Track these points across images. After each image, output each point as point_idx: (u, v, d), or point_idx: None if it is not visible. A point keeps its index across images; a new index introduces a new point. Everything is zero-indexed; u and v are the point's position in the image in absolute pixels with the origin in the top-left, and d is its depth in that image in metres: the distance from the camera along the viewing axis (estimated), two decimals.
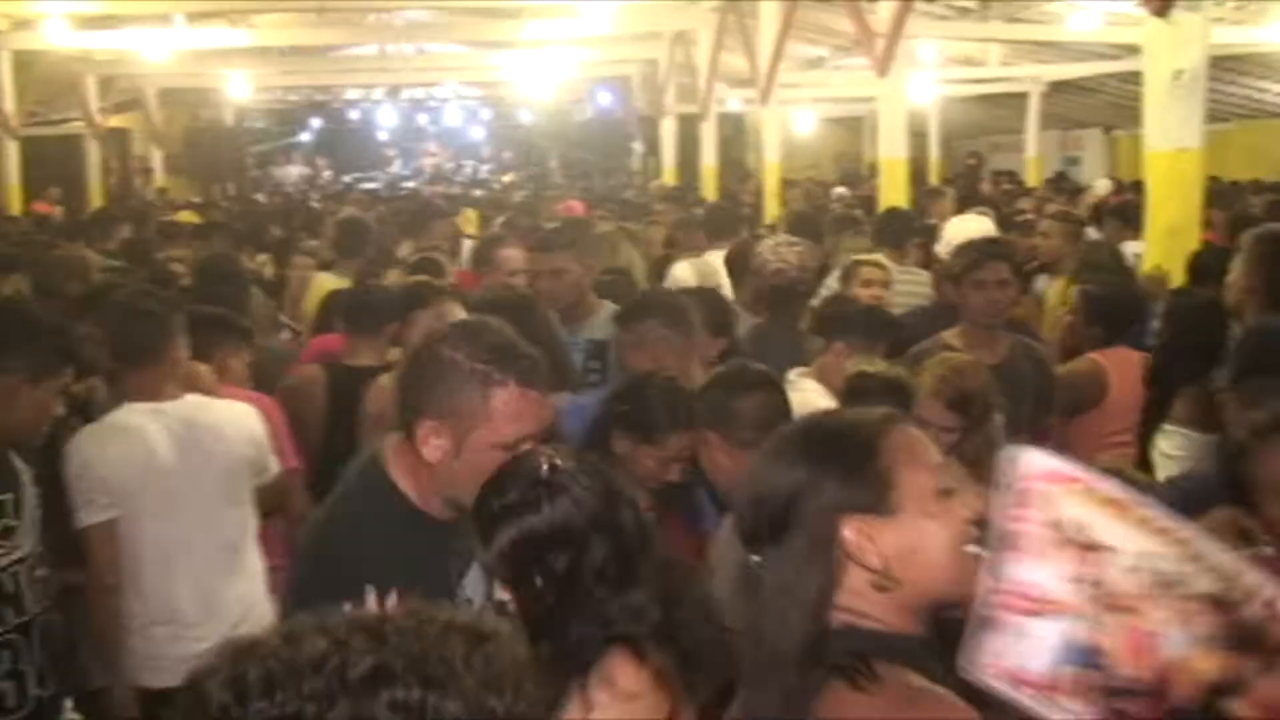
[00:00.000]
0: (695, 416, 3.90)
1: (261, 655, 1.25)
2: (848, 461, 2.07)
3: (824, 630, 2.02)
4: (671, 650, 2.32)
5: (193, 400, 4.43)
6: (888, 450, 2.07)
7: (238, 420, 4.51)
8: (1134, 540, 1.75)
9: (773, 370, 4.39)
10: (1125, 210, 10.02)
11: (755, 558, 2.13)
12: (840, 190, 20.18)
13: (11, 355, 3.54)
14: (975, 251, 5.63)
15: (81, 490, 4.13)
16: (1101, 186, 16.36)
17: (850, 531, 2.03)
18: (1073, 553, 1.77)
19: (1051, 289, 7.94)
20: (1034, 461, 1.85)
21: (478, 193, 26.37)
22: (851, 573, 2.04)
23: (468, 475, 2.67)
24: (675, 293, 5.68)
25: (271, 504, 4.59)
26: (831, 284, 7.24)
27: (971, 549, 2.02)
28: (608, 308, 5.74)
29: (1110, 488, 1.80)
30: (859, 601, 2.05)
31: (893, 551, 2.03)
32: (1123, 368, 5.55)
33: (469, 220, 13.53)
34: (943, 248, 6.92)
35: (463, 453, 2.72)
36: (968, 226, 7.74)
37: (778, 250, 6.37)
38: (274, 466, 4.64)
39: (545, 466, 2.49)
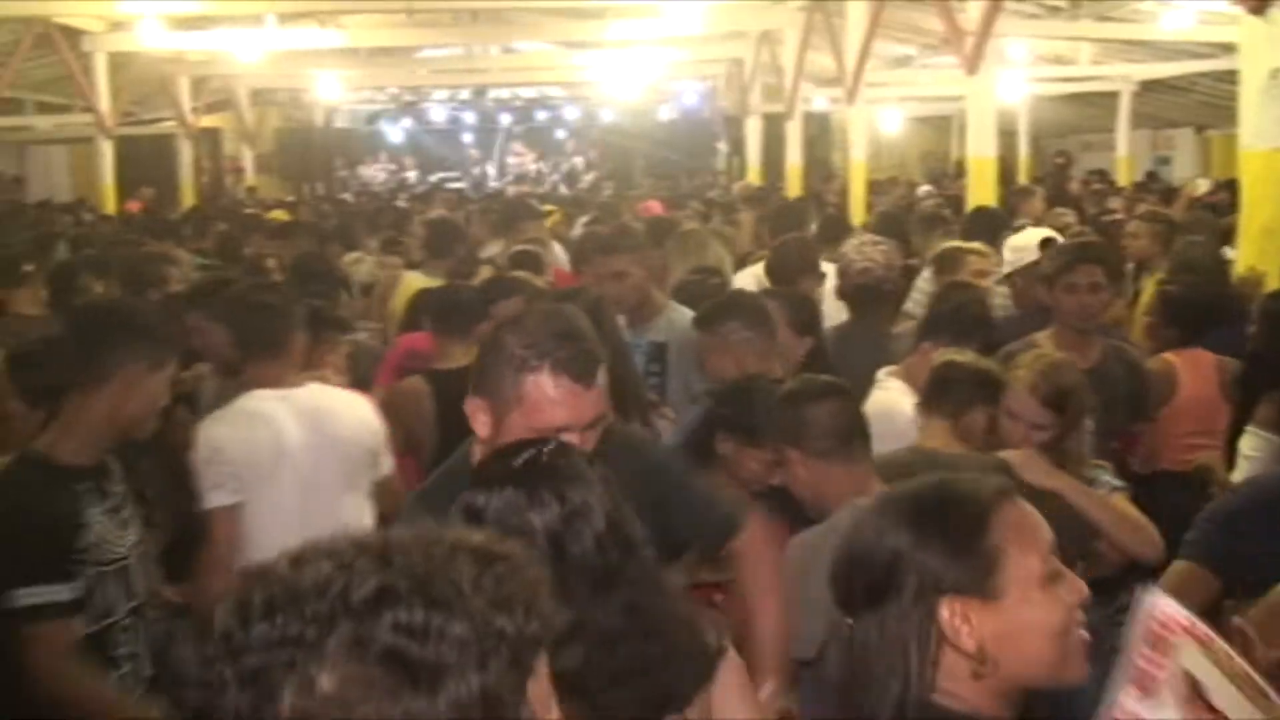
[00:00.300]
0: (773, 435, 3.88)
1: (267, 579, 1.25)
2: (955, 537, 1.98)
3: (922, 704, 1.97)
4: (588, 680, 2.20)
5: (316, 388, 4.56)
6: (998, 528, 1.98)
7: (358, 410, 4.63)
8: (1243, 710, 1.83)
9: (858, 371, 4.38)
10: (1216, 205, 9.89)
11: (848, 619, 2.05)
12: (926, 189, 20.03)
13: (132, 346, 3.62)
14: (1068, 254, 5.55)
15: (210, 474, 4.20)
16: (1199, 186, 16.03)
17: (947, 612, 1.96)
18: (1195, 709, 1.84)
19: (1145, 290, 7.83)
20: (1166, 609, 1.90)
21: (564, 191, 26.50)
22: (946, 653, 1.97)
23: None
24: (756, 294, 5.58)
25: (386, 505, 4.59)
26: (924, 285, 7.18)
27: (1076, 635, 1.99)
28: (672, 309, 5.74)
29: (1228, 650, 1.87)
30: (950, 682, 1.98)
31: (990, 636, 1.96)
32: (1195, 368, 5.50)
33: (551, 219, 13.55)
34: (1007, 253, 6.80)
35: (501, 433, 2.77)
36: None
37: (863, 249, 6.31)
38: (388, 463, 4.69)
39: (514, 482, 2.38)
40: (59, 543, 3.39)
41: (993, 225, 8.50)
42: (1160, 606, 1.90)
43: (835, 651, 2.08)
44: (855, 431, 3.69)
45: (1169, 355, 5.71)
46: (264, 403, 4.38)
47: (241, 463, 4.23)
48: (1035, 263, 6.28)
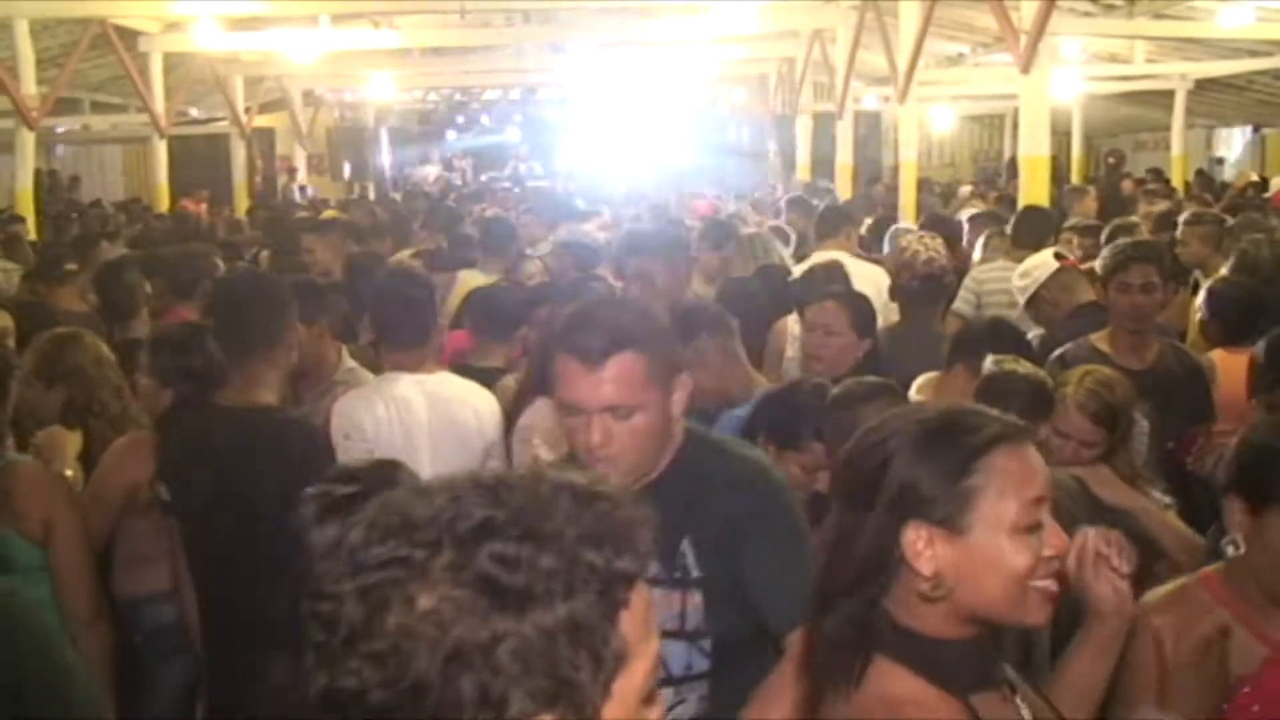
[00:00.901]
0: (825, 436, 3.89)
1: (390, 507, 1.39)
2: (941, 467, 2.05)
3: (869, 605, 2.08)
4: None
5: (446, 375, 4.89)
6: (984, 470, 2.05)
7: (481, 401, 4.86)
8: None
9: (912, 372, 4.35)
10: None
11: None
12: (965, 190, 19.90)
13: (325, 309, 4.30)
14: (1121, 254, 5.50)
15: (347, 449, 4.40)
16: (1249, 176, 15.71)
17: (912, 534, 2.04)
18: None
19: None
20: None
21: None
22: (904, 569, 2.06)
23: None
24: (712, 303, 5.53)
25: None
26: (970, 295, 7.13)
27: (1040, 584, 2.06)
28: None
29: None
30: (904, 595, 2.08)
31: (949, 566, 2.04)
32: (1236, 367, 5.43)
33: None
34: (1017, 279, 6.66)
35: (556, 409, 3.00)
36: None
37: (924, 241, 6.27)
38: (498, 459, 4.77)
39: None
40: None
41: (1043, 226, 8.42)
42: None
43: (823, 534, 2.21)
44: None
45: (1215, 354, 5.68)
46: (400, 385, 4.67)
47: (377, 440, 4.47)
48: (1056, 275, 6.21)
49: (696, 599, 2.92)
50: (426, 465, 4.40)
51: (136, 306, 6.83)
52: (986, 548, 2.03)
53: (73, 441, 4.65)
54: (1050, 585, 2.08)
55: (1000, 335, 4.94)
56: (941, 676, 2.04)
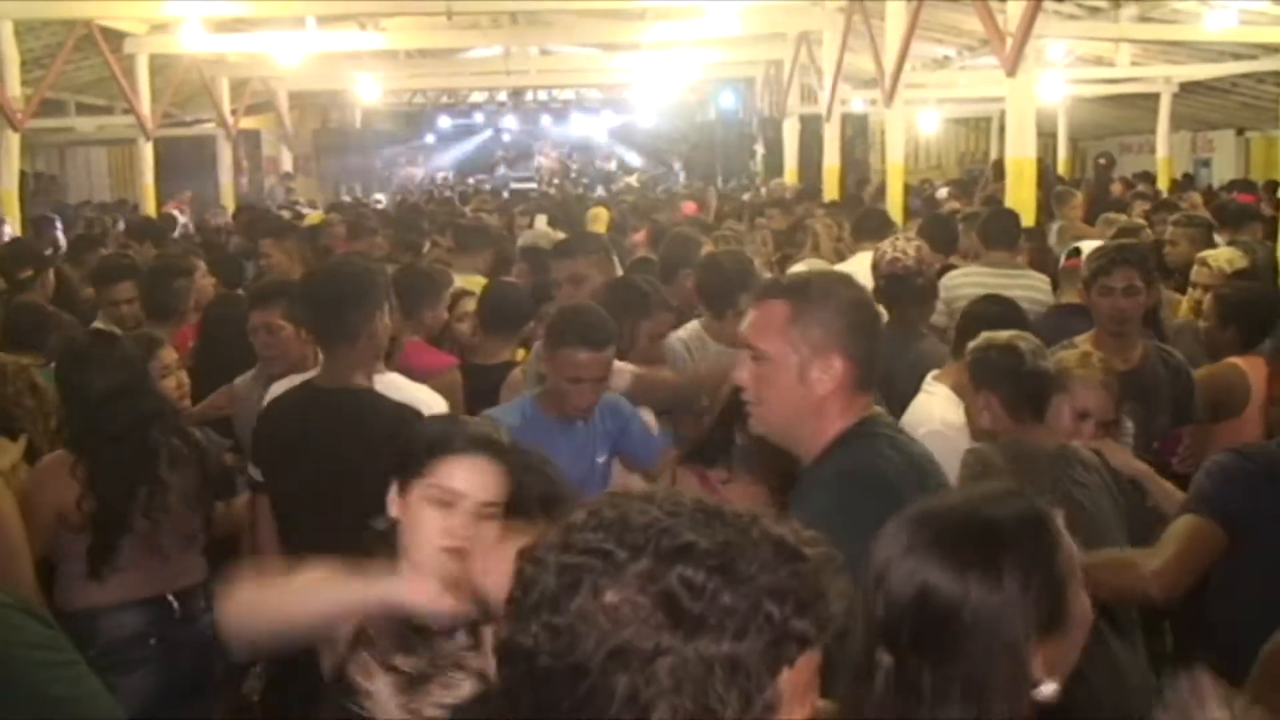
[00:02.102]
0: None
1: (617, 505, 1.48)
2: (1035, 582, 1.95)
3: None
4: None
5: (394, 377, 4.86)
6: (1061, 562, 2.00)
7: (432, 404, 4.73)
8: None
9: (891, 370, 4.35)
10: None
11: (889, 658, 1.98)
12: (944, 191, 19.93)
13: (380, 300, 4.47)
14: (1104, 257, 5.52)
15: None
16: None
17: (1034, 654, 1.96)
18: None
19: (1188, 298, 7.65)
20: (1206, 684, 1.96)
21: (601, 191, 26.57)
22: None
23: None
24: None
25: None
26: (940, 304, 7.11)
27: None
28: None
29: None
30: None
31: (1048, 670, 1.97)
32: (1260, 375, 5.42)
33: (599, 219, 13.57)
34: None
35: None
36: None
37: (895, 243, 6.31)
38: None
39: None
40: None
41: (1014, 228, 8.40)
42: (1203, 682, 1.96)
43: (878, 691, 1.99)
44: None
45: (1238, 361, 5.59)
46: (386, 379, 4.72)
47: None
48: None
49: None
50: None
51: (181, 311, 6.77)
52: (1078, 632, 2.03)
53: (10, 450, 4.62)
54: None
55: (1005, 318, 4.98)
56: None
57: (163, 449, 4.52)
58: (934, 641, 1.93)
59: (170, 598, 4.52)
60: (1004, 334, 4.21)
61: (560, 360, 4.51)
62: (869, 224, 8.85)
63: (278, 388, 4.82)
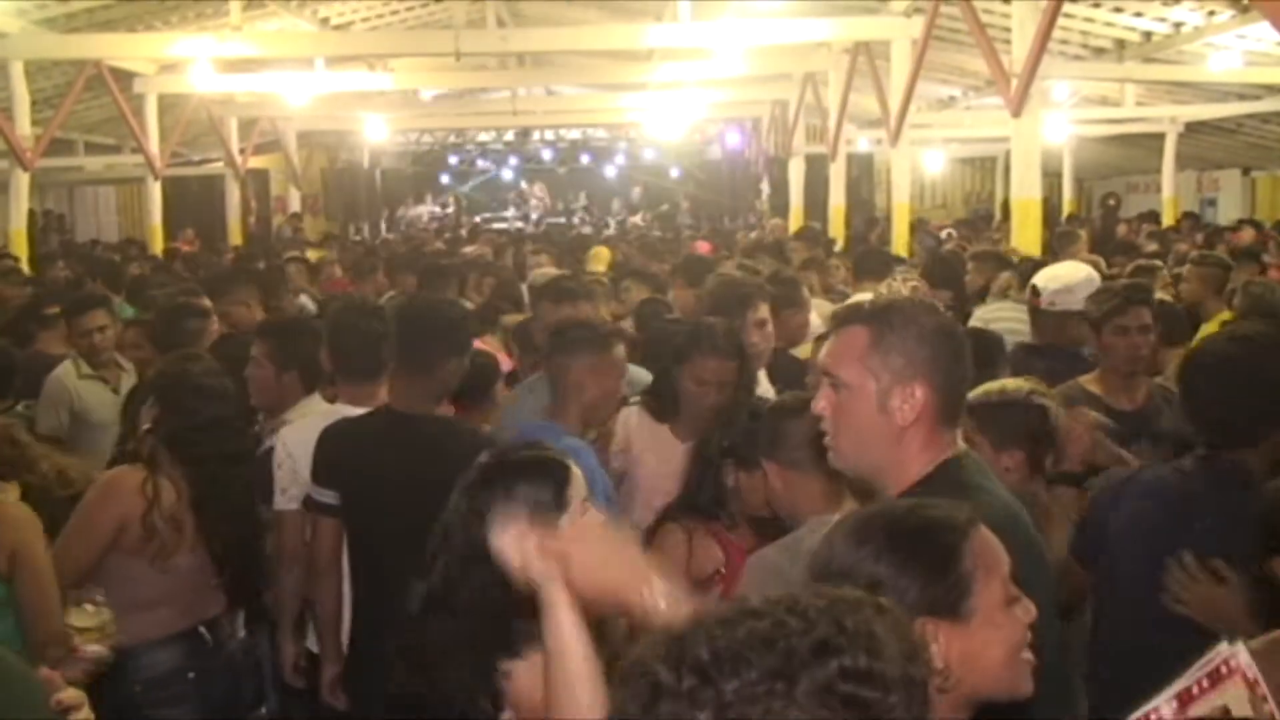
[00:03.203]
0: (757, 452, 3.87)
1: (706, 638, 1.40)
2: (932, 563, 2.09)
3: None
4: None
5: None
6: (970, 555, 2.10)
7: None
8: None
9: None
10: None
11: None
12: (948, 231, 19.96)
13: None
14: (1120, 296, 5.50)
15: (280, 476, 4.83)
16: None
17: (920, 629, 2.01)
18: None
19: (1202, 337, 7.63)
20: (1242, 659, 2.04)
21: (608, 231, 26.61)
22: None
23: None
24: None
25: None
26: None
27: (1026, 656, 2.14)
28: None
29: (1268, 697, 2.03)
30: None
31: (957, 654, 2.06)
32: None
33: (600, 258, 13.60)
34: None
35: None
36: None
37: (891, 285, 6.35)
38: None
39: None
40: None
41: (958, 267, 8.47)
42: (1239, 656, 2.02)
43: None
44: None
45: None
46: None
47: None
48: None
49: None
50: None
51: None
52: (988, 628, 2.09)
53: (11, 489, 4.64)
54: (1030, 655, 2.15)
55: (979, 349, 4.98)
56: None
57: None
58: None
59: (202, 629, 4.55)
60: (1021, 387, 4.14)
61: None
62: (870, 264, 8.87)
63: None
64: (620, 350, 4.70)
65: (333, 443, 4.64)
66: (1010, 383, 4.18)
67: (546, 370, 4.79)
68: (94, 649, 3.59)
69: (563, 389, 4.62)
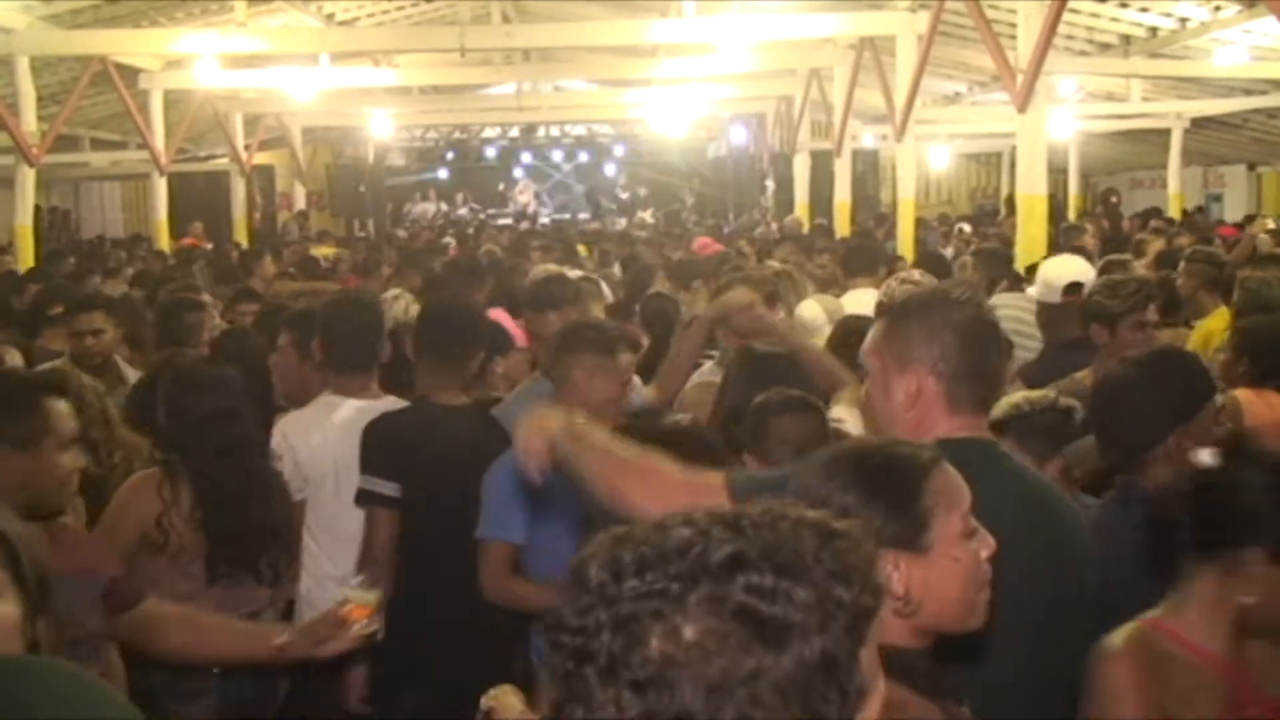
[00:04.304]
0: (746, 446, 4.00)
1: (634, 540, 1.41)
2: (895, 498, 2.21)
3: None
4: None
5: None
6: (931, 492, 2.23)
7: None
8: None
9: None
10: None
11: None
12: (963, 226, 19.95)
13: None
14: (1139, 293, 5.52)
15: (279, 467, 4.83)
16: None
17: (883, 562, 2.10)
18: None
19: (1196, 332, 7.62)
20: None
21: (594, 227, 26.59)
22: None
23: None
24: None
25: None
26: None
27: (983, 592, 2.27)
28: None
29: None
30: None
31: (916, 583, 2.20)
32: (1266, 407, 5.41)
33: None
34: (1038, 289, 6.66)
35: None
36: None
37: (909, 276, 6.34)
38: None
39: None
40: None
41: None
42: None
43: None
44: (813, 444, 3.57)
45: (1238, 393, 5.60)
46: (340, 411, 4.99)
47: (307, 463, 4.88)
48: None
49: None
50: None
51: (193, 346, 6.70)
52: (945, 560, 2.22)
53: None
54: (987, 590, 2.27)
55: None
56: (916, 683, 2.14)
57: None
58: None
59: None
60: (1046, 395, 4.19)
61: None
62: (860, 260, 8.87)
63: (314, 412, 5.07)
64: (626, 357, 4.58)
65: (390, 434, 4.74)
66: (1033, 393, 4.23)
67: (553, 369, 4.74)
68: (364, 627, 3.60)
69: (564, 389, 4.57)
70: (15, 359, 6.45)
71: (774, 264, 10.04)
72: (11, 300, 10.01)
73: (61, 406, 3.55)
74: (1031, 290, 6.71)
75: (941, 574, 2.21)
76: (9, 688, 1.83)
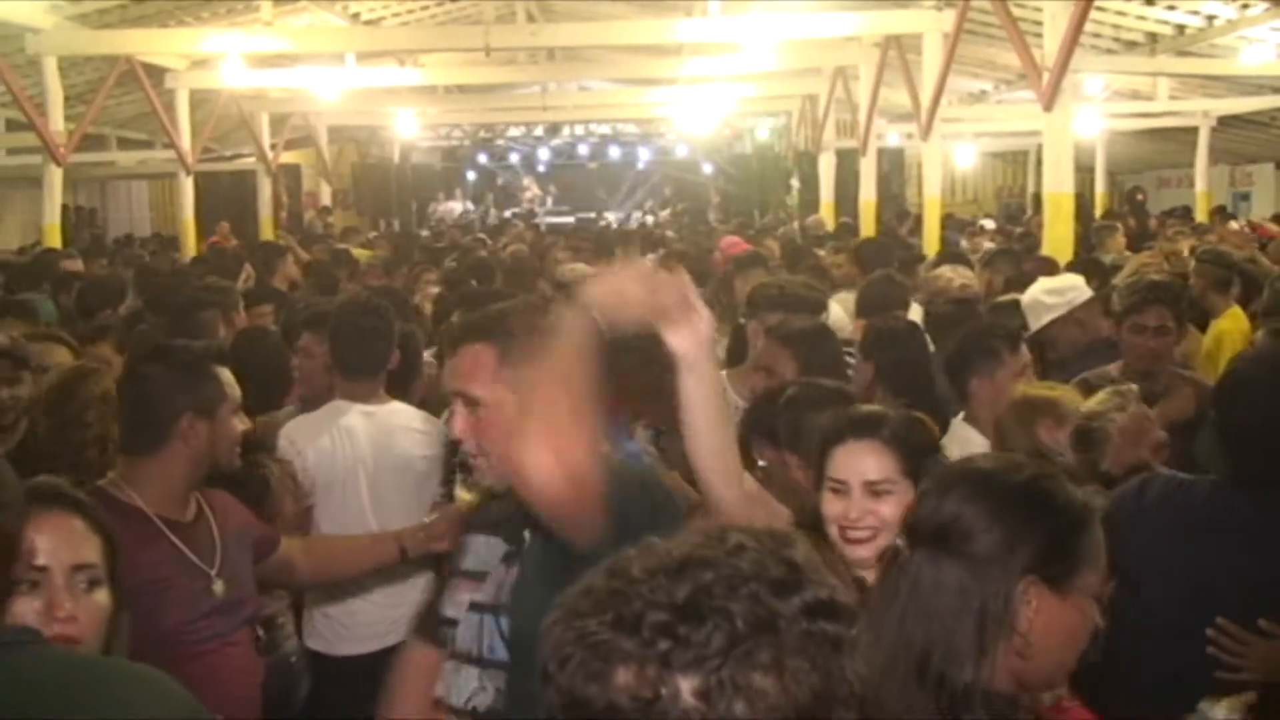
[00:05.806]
0: (778, 441, 3.87)
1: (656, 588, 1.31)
2: (1061, 532, 2.10)
3: (984, 654, 2.05)
4: None
5: (396, 405, 5.18)
6: (1093, 536, 2.13)
7: (429, 425, 5.13)
8: None
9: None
10: None
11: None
12: (986, 222, 19.87)
13: None
14: (1138, 295, 5.48)
15: None
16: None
17: (1023, 588, 2.05)
18: None
19: (1210, 332, 7.57)
20: None
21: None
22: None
23: None
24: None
25: None
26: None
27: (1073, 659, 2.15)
28: None
29: None
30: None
31: (1042, 625, 2.06)
32: None
33: None
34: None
35: None
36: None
37: (958, 270, 6.33)
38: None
39: None
40: None
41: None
42: None
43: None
44: None
45: None
46: (347, 415, 4.97)
47: (315, 467, 4.85)
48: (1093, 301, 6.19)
49: None
50: (365, 494, 4.88)
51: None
52: (1075, 612, 2.10)
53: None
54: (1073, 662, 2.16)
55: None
56: None
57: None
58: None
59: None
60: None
61: None
62: (877, 257, 8.91)
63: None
64: None
65: None
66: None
67: None
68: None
69: None
70: (64, 357, 6.45)
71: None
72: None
73: (228, 373, 3.74)
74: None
75: (1067, 624, 2.10)
76: (112, 689, 1.97)
